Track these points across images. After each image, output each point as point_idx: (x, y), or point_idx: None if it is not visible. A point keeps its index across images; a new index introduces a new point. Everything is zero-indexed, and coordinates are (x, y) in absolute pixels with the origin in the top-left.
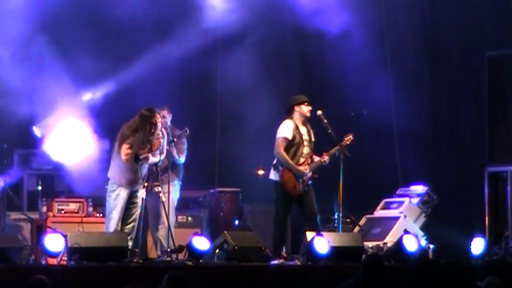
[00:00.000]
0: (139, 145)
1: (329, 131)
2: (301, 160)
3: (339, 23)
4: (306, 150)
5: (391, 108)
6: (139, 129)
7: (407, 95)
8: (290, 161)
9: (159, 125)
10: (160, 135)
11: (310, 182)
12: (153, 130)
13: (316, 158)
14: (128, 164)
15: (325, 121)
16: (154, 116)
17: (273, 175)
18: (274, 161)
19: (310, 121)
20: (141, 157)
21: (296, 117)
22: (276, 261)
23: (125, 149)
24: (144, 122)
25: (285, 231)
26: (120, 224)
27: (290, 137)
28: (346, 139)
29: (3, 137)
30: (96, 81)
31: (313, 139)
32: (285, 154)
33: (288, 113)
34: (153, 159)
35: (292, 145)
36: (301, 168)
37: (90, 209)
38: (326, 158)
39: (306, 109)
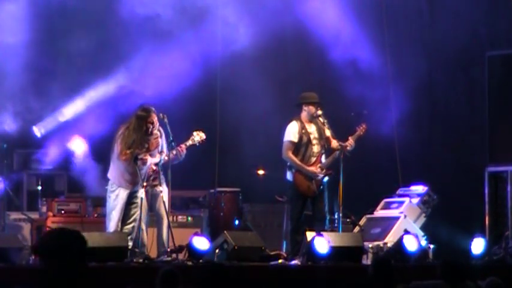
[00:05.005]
0: (137, 146)
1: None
2: (312, 160)
3: (338, 23)
4: (316, 148)
5: (391, 108)
6: (136, 130)
7: (407, 94)
8: (299, 163)
9: (157, 124)
10: (158, 134)
11: (325, 180)
12: (150, 130)
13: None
14: (126, 165)
15: (325, 121)
16: (151, 116)
17: (288, 175)
18: (288, 163)
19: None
20: (139, 157)
21: (303, 116)
22: (295, 262)
23: (122, 150)
24: (141, 123)
25: (301, 229)
26: (120, 224)
27: (296, 140)
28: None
29: (3, 137)
30: (97, 81)
31: (325, 135)
32: (293, 157)
33: (298, 109)
34: (153, 160)
35: (300, 146)
36: (312, 168)
37: (90, 209)
38: (349, 144)
39: (313, 110)
